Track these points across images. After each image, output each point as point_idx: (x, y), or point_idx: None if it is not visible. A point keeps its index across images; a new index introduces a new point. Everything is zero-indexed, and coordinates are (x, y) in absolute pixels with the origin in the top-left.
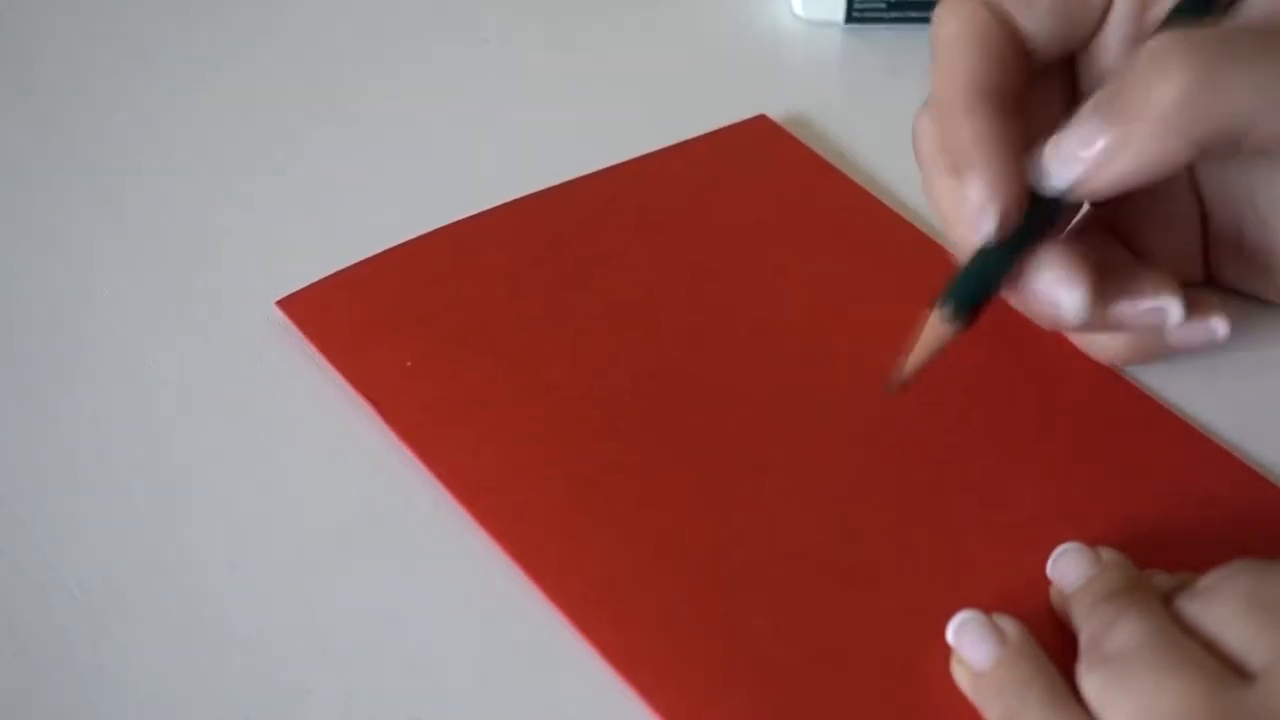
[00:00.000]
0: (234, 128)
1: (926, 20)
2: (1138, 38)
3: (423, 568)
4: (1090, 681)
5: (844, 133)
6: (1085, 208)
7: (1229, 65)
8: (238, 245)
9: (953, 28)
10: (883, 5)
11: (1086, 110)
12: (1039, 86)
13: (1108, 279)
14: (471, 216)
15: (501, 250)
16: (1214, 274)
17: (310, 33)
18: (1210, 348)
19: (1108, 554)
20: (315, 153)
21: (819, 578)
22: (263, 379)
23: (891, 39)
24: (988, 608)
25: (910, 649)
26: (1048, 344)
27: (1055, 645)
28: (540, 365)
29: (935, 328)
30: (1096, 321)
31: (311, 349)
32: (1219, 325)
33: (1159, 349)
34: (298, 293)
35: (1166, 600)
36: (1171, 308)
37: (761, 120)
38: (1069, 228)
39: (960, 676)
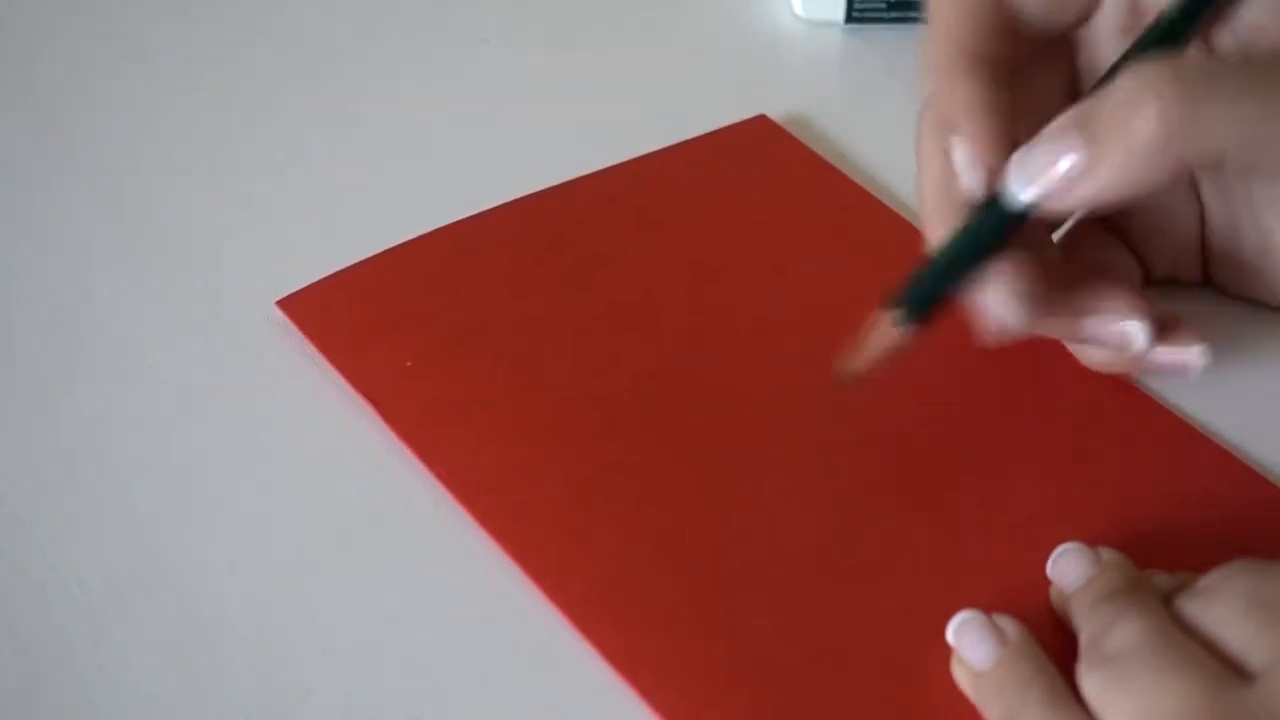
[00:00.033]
0: (234, 128)
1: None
2: (1131, 28)
3: (423, 568)
4: (1090, 681)
5: (844, 133)
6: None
7: (1209, 101)
8: (238, 245)
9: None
10: (883, 5)
11: (1060, 124)
12: (1038, 69)
13: (1079, 292)
14: (471, 216)
15: (501, 250)
16: (1211, 276)
17: (310, 33)
18: (1185, 374)
19: (1108, 554)
20: (315, 153)
21: (819, 578)
22: (263, 379)
23: (891, 39)
24: (988, 608)
25: (910, 649)
26: (1048, 344)
27: (1055, 645)
28: (540, 365)
29: (885, 330)
30: (1067, 333)
31: (311, 349)
32: (1195, 359)
33: (1137, 366)
34: (298, 293)
35: (1166, 600)
36: (1138, 335)
37: (761, 120)
38: (1066, 225)
39: (960, 676)
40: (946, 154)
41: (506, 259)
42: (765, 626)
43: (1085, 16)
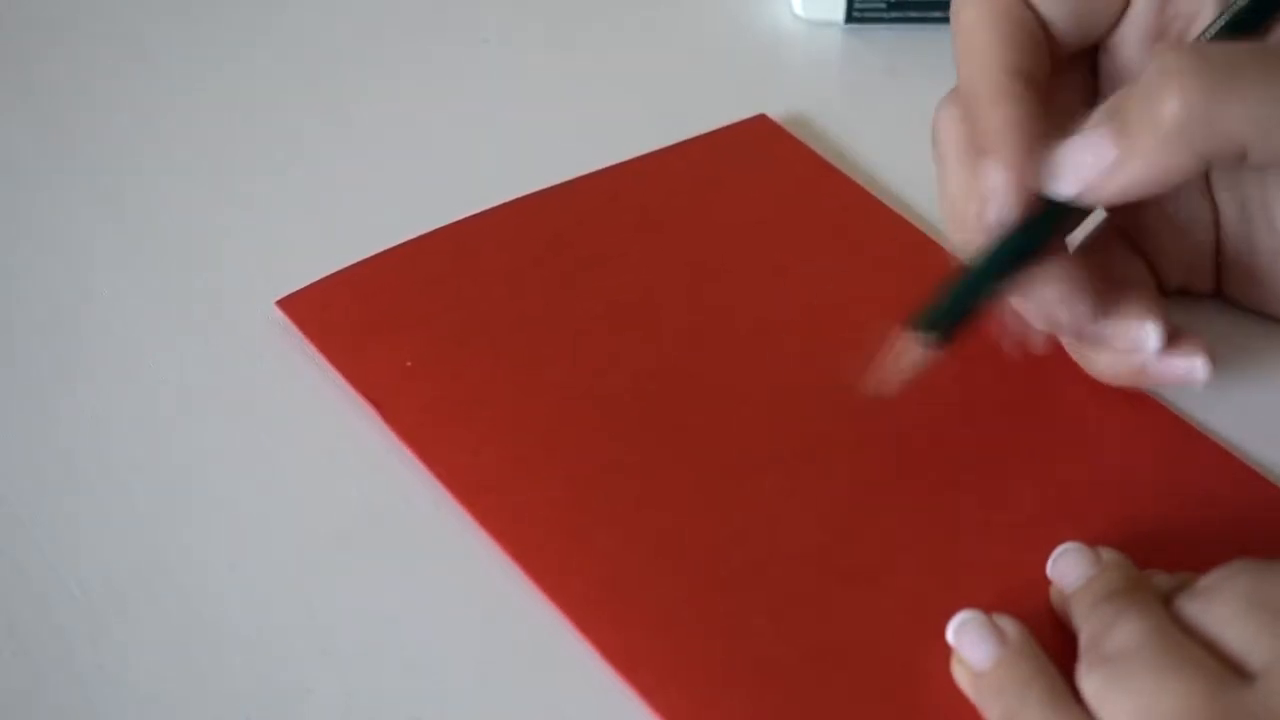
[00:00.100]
0: (234, 128)
1: (927, 20)
2: (1157, 34)
3: (423, 568)
4: (1090, 681)
5: (844, 133)
6: (1099, 214)
7: (1233, 85)
8: (238, 245)
9: (972, 14)
10: (883, 5)
11: (1095, 119)
12: (1061, 80)
13: (1099, 295)
14: (471, 216)
15: (501, 250)
16: (1223, 286)
17: (310, 33)
18: (1188, 385)
19: (1108, 554)
20: (315, 153)
21: (819, 578)
22: (263, 379)
23: (891, 39)
24: (988, 608)
25: (910, 649)
26: (1047, 344)
27: (1055, 645)
28: (540, 365)
29: (909, 350)
30: (1086, 334)
31: (311, 349)
32: (1200, 366)
33: (1138, 376)
34: (298, 293)
35: (1166, 600)
36: (1151, 334)
37: (761, 120)
38: (1085, 238)
39: (960, 676)
40: (972, 170)
41: (506, 259)
42: (765, 626)
43: (1114, 24)
